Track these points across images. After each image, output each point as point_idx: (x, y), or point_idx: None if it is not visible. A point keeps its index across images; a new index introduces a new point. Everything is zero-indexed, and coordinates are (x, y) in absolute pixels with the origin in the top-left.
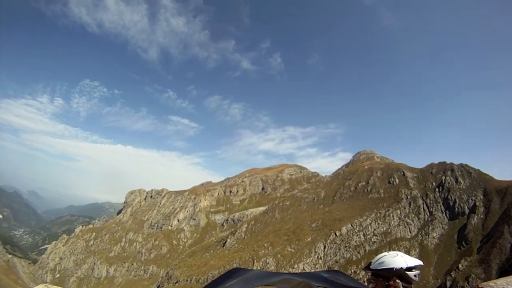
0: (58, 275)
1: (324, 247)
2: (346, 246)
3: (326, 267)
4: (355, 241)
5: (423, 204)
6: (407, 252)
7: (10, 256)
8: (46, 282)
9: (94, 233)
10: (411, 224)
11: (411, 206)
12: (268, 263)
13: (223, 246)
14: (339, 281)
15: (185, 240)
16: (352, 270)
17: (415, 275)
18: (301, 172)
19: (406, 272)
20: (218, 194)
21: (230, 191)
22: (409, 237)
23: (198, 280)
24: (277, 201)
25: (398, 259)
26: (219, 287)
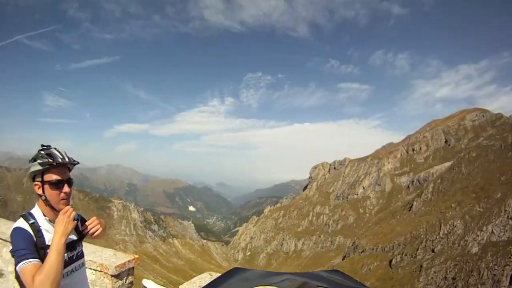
0: (248, 253)
1: None
2: None
3: None
4: None
5: None
6: None
7: (204, 241)
8: (237, 260)
9: (282, 211)
10: None
11: None
12: (455, 226)
13: (409, 210)
14: (339, 281)
15: (371, 208)
16: None
17: None
18: (483, 116)
19: None
20: (401, 155)
21: (413, 149)
22: None
23: (384, 249)
24: (462, 154)
25: None
26: (219, 287)
